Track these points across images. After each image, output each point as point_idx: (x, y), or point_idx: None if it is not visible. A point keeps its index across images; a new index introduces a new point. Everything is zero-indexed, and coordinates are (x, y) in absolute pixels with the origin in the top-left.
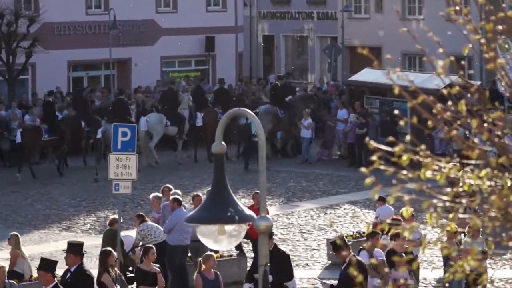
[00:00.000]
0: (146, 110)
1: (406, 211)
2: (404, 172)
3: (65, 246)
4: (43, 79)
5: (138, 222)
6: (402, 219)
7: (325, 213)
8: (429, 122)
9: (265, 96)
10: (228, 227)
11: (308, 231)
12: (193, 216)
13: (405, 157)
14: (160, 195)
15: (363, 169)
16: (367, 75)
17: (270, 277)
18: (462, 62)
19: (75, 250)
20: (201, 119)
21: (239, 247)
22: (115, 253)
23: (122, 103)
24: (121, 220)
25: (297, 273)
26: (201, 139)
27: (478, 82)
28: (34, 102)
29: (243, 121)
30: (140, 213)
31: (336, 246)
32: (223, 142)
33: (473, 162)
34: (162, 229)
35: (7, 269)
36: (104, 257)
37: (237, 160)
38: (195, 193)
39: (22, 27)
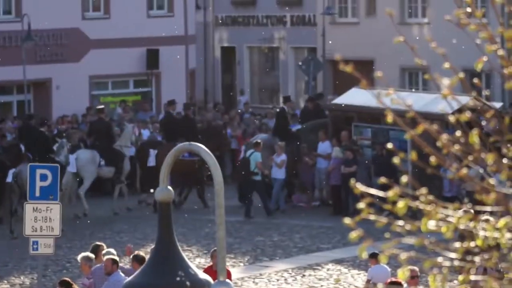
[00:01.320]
0: (73, 146)
1: (403, 272)
2: (400, 223)
3: None
4: None
5: None
6: (402, 283)
7: (303, 275)
8: (432, 158)
9: (229, 126)
10: None
11: None
12: (133, 282)
13: (401, 204)
14: (91, 255)
15: (347, 220)
16: (355, 96)
17: None
18: (475, 79)
19: None
20: (154, 157)
21: None
22: None
23: (42, 136)
24: None
25: None
26: (154, 183)
27: (498, 105)
28: None
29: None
30: (65, 278)
31: None
32: (169, 187)
33: (489, 208)
34: None
35: None
36: None
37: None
38: (135, 252)
39: None
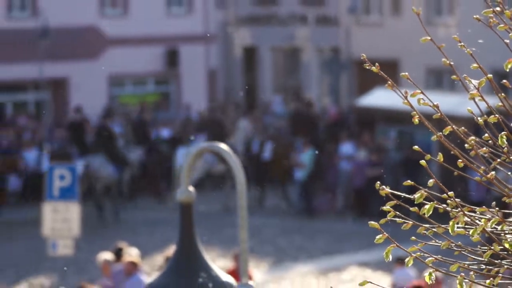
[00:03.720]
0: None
1: (429, 276)
2: (427, 225)
3: None
4: None
5: None
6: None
7: (327, 278)
8: (459, 161)
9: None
10: None
11: None
12: (154, 284)
13: (427, 207)
14: (112, 257)
15: (372, 223)
16: (380, 97)
17: None
18: (504, 81)
19: None
20: (270, 151)
21: None
22: None
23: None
24: None
25: None
26: (267, 177)
27: None
28: None
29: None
30: (84, 282)
31: None
32: (190, 188)
33: None
34: None
35: None
36: None
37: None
38: (166, 253)
39: None
